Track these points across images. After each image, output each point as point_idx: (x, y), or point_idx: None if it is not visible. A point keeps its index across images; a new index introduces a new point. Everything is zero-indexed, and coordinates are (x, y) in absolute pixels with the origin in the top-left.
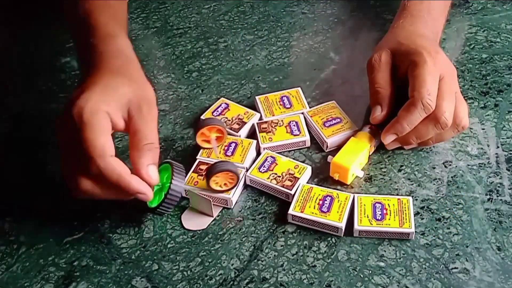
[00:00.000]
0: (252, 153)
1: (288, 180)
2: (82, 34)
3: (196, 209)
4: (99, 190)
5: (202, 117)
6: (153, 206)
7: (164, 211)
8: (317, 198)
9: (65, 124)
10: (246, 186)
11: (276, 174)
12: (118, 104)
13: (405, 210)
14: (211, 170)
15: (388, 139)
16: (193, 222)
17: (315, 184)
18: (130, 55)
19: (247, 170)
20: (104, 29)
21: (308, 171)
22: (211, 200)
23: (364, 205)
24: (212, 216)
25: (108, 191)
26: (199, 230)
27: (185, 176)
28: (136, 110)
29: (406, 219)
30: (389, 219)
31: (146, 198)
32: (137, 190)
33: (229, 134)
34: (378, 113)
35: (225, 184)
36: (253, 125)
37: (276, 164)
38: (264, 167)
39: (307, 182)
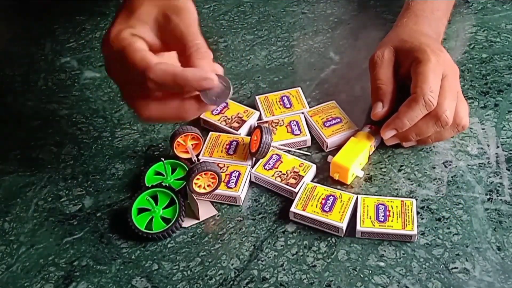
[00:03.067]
0: None
1: (293, 178)
2: None
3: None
4: (165, 107)
5: (202, 116)
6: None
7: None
8: (320, 197)
9: (107, 58)
10: (250, 183)
11: (280, 171)
12: (142, 23)
13: (408, 212)
14: (190, 174)
15: (388, 134)
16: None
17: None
18: None
19: (252, 167)
20: None
21: (313, 170)
22: (198, 204)
23: (367, 206)
24: (199, 219)
25: (173, 104)
26: (199, 230)
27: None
28: (165, 21)
29: (408, 222)
30: (391, 221)
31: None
32: (197, 77)
33: (229, 132)
34: (379, 109)
35: (208, 185)
36: (252, 124)
37: (281, 162)
38: (269, 164)
39: (311, 181)
